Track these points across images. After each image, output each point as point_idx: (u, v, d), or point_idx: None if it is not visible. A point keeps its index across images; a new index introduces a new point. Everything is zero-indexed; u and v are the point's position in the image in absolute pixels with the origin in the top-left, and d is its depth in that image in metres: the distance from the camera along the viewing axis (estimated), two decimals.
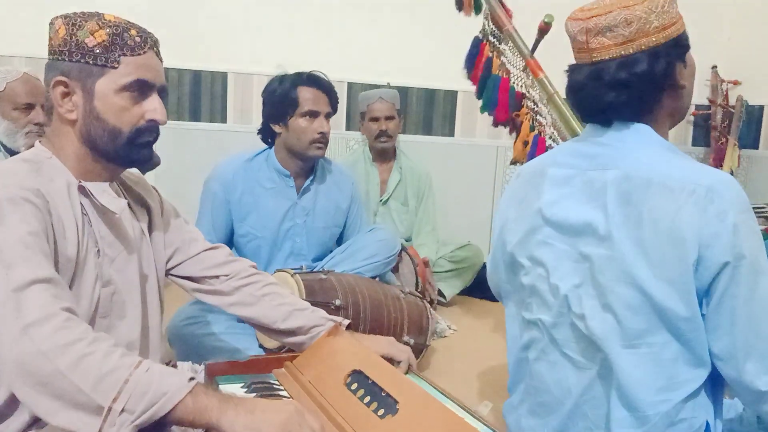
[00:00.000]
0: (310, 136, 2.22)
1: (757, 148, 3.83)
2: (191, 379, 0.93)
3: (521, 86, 2.29)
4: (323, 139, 2.25)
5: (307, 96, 2.23)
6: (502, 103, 2.31)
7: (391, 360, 1.32)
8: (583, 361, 1.20)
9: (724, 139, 3.78)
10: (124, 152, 1.18)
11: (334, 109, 2.32)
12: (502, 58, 2.31)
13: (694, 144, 4.00)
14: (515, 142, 2.32)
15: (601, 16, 1.15)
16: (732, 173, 3.59)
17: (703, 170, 1.12)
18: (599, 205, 1.17)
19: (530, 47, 2.23)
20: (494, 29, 2.33)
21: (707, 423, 1.16)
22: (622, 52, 1.15)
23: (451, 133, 3.74)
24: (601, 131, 1.23)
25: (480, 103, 2.41)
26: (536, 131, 2.24)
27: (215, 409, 0.92)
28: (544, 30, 2.19)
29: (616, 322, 1.14)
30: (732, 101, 3.80)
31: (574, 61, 1.24)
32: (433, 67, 3.58)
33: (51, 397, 0.89)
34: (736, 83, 3.83)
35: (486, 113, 2.40)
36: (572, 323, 1.21)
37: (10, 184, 1.04)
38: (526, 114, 2.27)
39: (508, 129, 2.42)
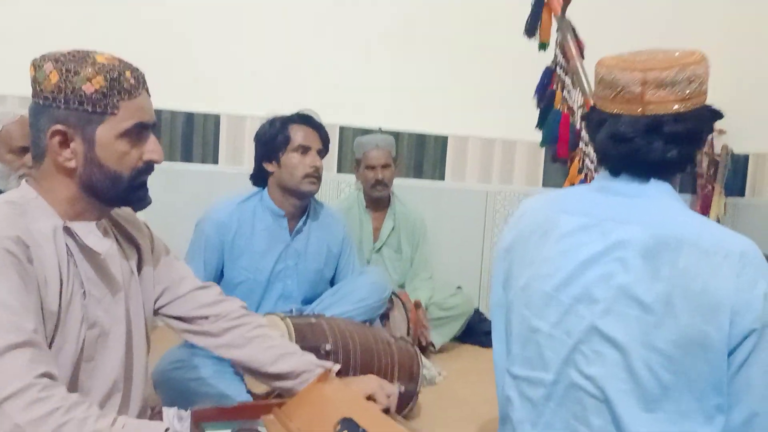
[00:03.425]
0: (302, 170, 2.23)
1: (743, 195, 3.88)
2: (167, 429, 0.95)
3: (579, 124, 2.20)
4: (316, 174, 2.26)
5: (298, 132, 2.26)
6: (563, 138, 2.23)
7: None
8: (577, 425, 1.16)
9: (710, 187, 3.84)
10: (124, 195, 1.18)
11: (326, 147, 2.33)
12: (564, 92, 2.25)
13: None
14: (564, 183, 2.23)
15: (662, 70, 1.13)
16: (719, 220, 3.63)
17: (731, 234, 1.12)
18: (617, 258, 1.13)
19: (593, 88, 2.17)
20: (561, 60, 2.27)
21: None
22: (681, 109, 1.14)
23: (442, 177, 3.77)
24: (621, 182, 1.20)
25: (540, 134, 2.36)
26: (584, 175, 2.16)
27: None
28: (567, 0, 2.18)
29: (635, 384, 1.10)
30: (717, 149, 3.87)
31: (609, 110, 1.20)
32: (424, 112, 3.64)
33: None
34: (721, 132, 3.90)
35: (545, 147, 2.34)
36: (575, 384, 1.16)
37: None
38: (578, 154, 2.19)
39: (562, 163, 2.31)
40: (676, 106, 1.14)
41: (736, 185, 3.89)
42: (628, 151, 1.16)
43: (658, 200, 1.17)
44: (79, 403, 0.95)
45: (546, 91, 2.31)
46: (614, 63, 1.18)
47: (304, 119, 2.30)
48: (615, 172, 1.21)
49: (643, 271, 1.10)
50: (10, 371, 0.92)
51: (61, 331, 1.10)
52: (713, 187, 3.82)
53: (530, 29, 2.38)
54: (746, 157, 3.87)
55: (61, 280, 1.10)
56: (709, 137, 3.84)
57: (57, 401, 0.93)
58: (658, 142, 1.14)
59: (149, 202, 2.39)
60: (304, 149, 2.25)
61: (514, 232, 1.31)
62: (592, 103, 1.26)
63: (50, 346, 1.09)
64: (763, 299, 1.05)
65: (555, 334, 1.18)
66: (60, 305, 1.09)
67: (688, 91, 1.14)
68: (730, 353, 1.07)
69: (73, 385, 1.13)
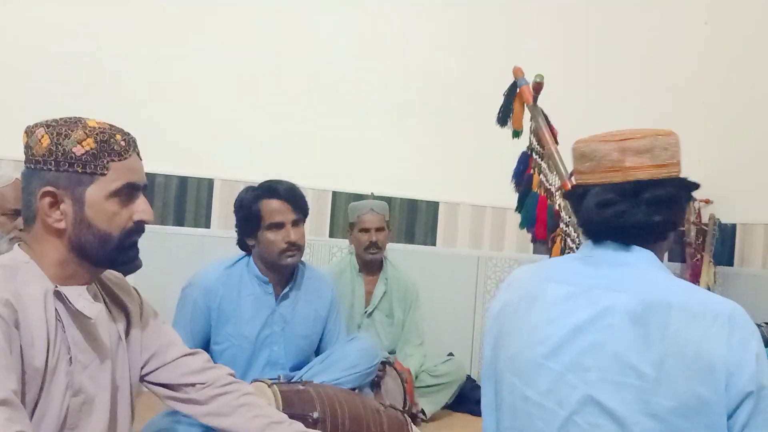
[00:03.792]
0: (278, 247, 2.22)
1: (732, 265, 3.91)
2: None
3: (557, 205, 2.26)
4: (293, 248, 2.23)
5: (269, 208, 2.23)
6: (540, 220, 2.28)
7: None
8: None
9: (699, 256, 3.87)
10: (113, 256, 1.18)
11: (304, 214, 2.30)
12: (541, 176, 2.31)
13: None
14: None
15: (636, 139, 1.18)
16: (709, 289, 3.64)
17: (717, 297, 1.13)
18: (607, 326, 1.13)
19: (569, 171, 2.24)
20: (536, 146, 2.34)
21: None
22: (658, 175, 1.18)
23: (433, 243, 3.78)
24: (605, 250, 1.22)
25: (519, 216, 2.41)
26: (567, 253, 2.20)
27: None
28: (538, 89, 2.25)
29: None
30: (705, 218, 3.92)
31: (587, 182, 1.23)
32: (415, 178, 3.69)
33: None
34: (707, 202, 3.97)
35: (524, 229, 2.38)
36: None
37: None
38: (559, 235, 2.24)
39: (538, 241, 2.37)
40: (653, 171, 1.18)
41: (725, 254, 3.93)
42: (613, 215, 1.18)
43: (643, 268, 1.19)
44: None
45: (523, 175, 2.39)
46: (591, 138, 1.24)
47: (274, 192, 2.25)
48: (598, 240, 1.23)
49: (634, 338, 1.10)
50: None
51: (44, 397, 1.08)
52: (702, 256, 3.85)
53: (502, 118, 2.48)
54: (734, 227, 3.92)
55: (48, 345, 1.09)
56: (697, 206, 3.91)
57: None
58: (642, 205, 1.17)
59: (140, 265, 2.38)
60: (278, 226, 2.23)
61: (503, 300, 1.32)
62: (570, 185, 1.29)
63: (33, 413, 1.07)
64: (756, 360, 1.05)
65: (545, 403, 1.16)
66: (45, 370, 1.08)
67: (663, 157, 1.18)
68: (729, 417, 1.06)
69: None
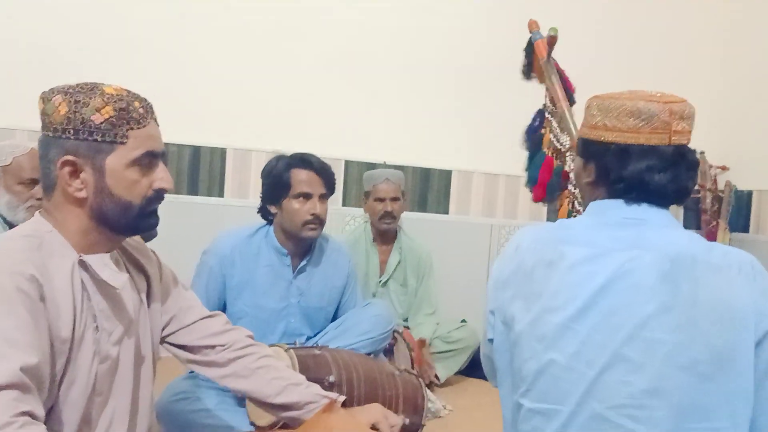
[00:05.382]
0: (302, 217, 2.22)
1: (747, 231, 3.88)
2: None
3: (567, 166, 2.22)
4: (316, 221, 2.24)
5: (299, 178, 2.25)
6: (541, 182, 2.25)
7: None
8: None
9: (714, 223, 3.84)
10: (135, 223, 1.19)
11: (331, 190, 2.32)
12: (551, 135, 2.27)
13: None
14: None
15: (677, 103, 1.20)
16: None
17: (734, 249, 1.16)
18: (633, 284, 1.14)
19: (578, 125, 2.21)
20: (549, 103, 2.30)
21: None
22: (690, 141, 1.22)
23: (446, 211, 3.78)
24: (623, 211, 1.22)
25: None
26: (573, 216, 2.16)
27: None
28: (552, 43, 2.21)
29: (666, 409, 1.10)
30: (721, 185, 3.89)
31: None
32: (428, 146, 3.67)
33: None
34: (724, 169, 3.93)
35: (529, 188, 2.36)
36: (597, 414, 1.14)
37: (2, 271, 1.03)
38: (567, 197, 2.20)
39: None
40: (689, 137, 1.22)
41: (740, 221, 3.90)
42: (667, 180, 1.20)
43: (663, 226, 1.20)
44: None
45: (536, 132, 2.35)
46: (632, 95, 1.22)
47: (307, 162, 2.27)
48: (632, 201, 1.22)
49: (662, 293, 1.11)
50: None
51: (72, 365, 1.10)
52: (717, 223, 3.83)
53: (526, 72, 2.44)
54: (749, 194, 3.88)
55: (74, 315, 1.10)
56: (713, 173, 3.87)
57: None
58: (682, 169, 1.20)
59: (154, 235, 2.42)
60: (305, 196, 2.24)
61: (512, 265, 1.29)
62: (591, 139, 1.27)
63: (61, 381, 1.09)
64: None
65: (574, 365, 1.16)
66: (72, 340, 1.09)
67: (693, 124, 1.22)
68: (757, 356, 1.09)
69: (83, 420, 1.13)
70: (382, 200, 3.10)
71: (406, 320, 3.21)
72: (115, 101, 1.12)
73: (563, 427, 1.17)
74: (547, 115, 2.31)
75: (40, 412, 0.98)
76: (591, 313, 1.16)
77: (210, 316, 1.44)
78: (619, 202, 1.23)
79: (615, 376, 1.13)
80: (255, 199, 2.41)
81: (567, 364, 1.17)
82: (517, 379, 1.27)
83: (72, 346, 1.09)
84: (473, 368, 3.12)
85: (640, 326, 1.12)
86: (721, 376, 1.09)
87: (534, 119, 2.37)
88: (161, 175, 1.20)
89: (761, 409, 1.11)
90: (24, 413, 0.94)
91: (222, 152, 3.46)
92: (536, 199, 2.30)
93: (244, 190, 3.48)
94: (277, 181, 2.25)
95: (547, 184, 2.26)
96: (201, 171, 3.44)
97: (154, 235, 2.35)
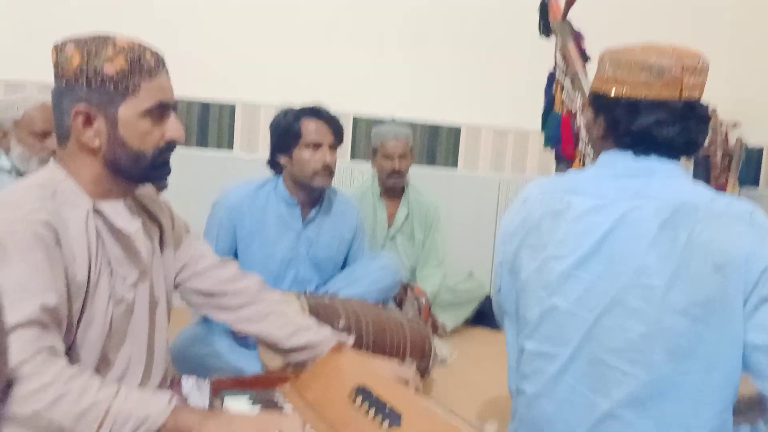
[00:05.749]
0: (313, 167, 2.25)
1: (756, 185, 3.88)
2: (170, 400, 0.99)
3: (577, 126, 2.24)
4: (327, 170, 2.27)
5: (310, 128, 2.26)
6: (566, 139, 2.27)
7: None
8: (595, 397, 1.18)
9: (724, 178, 3.83)
10: (147, 173, 1.21)
11: (339, 140, 2.34)
12: (563, 93, 2.28)
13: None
14: None
15: (691, 57, 1.19)
16: None
17: (737, 199, 1.18)
18: (635, 233, 1.16)
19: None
20: (561, 63, 2.30)
21: None
22: (701, 95, 1.22)
23: (454, 165, 3.79)
24: (634, 162, 1.23)
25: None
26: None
27: (197, 424, 0.98)
28: (570, 2, 2.21)
29: (665, 351, 1.13)
30: (731, 142, 3.86)
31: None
32: (437, 101, 3.65)
33: None
34: (735, 124, 3.89)
35: (548, 149, 2.40)
36: (596, 358, 1.18)
37: (18, 219, 1.05)
38: (578, 156, 2.23)
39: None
40: (701, 92, 1.22)
41: (750, 177, 3.89)
42: (676, 133, 1.20)
43: (670, 176, 1.21)
44: (78, 375, 0.98)
45: (553, 96, 2.36)
46: (645, 49, 1.22)
47: (316, 113, 2.29)
48: (640, 153, 1.23)
49: (662, 241, 1.14)
50: (14, 347, 0.95)
51: (89, 308, 1.14)
52: (727, 179, 3.82)
53: (545, 30, 2.43)
54: (760, 150, 3.87)
55: (89, 261, 1.13)
56: (724, 129, 3.84)
57: (57, 372, 0.96)
58: (693, 123, 1.21)
59: (164, 187, 2.45)
60: (316, 145, 2.26)
61: (520, 217, 1.32)
62: (603, 93, 1.27)
63: (79, 323, 1.13)
64: None
65: (575, 310, 1.20)
66: (88, 284, 1.13)
67: (704, 79, 1.21)
68: (748, 299, 1.12)
69: (101, 360, 1.17)
70: (390, 158, 3.10)
71: (413, 273, 3.25)
72: (127, 52, 1.13)
73: (563, 370, 1.22)
74: (558, 74, 2.31)
75: (61, 347, 1.02)
76: (594, 261, 1.19)
77: (222, 264, 1.47)
78: (627, 154, 1.24)
79: (614, 321, 1.16)
80: (264, 153, 2.43)
81: (569, 309, 1.21)
82: (521, 325, 1.31)
83: (88, 289, 1.13)
84: (480, 318, 3.17)
85: (639, 273, 1.15)
86: (714, 320, 1.11)
87: (548, 81, 2.39)
88: (173, 126, 1.21)
89: (751, 345, 1.14)
90: (45, 348, 0.98)
91: (231, 108, 3.46)
92: (568, 156, 2.32)
93: (253, 145, 3.49)
94: (287, 131, 2.27)
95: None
96: (210, 125, 3.45)
97: (165, 187, 2.39)
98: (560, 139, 2.31)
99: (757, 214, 1.15)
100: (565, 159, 2.36)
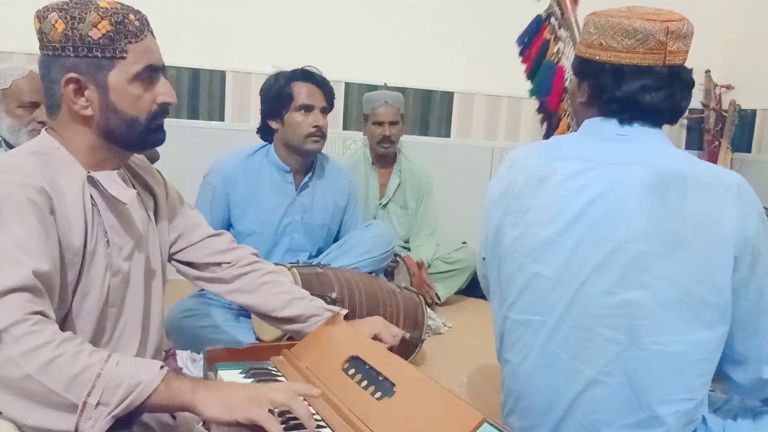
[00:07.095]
0: (305, 130, 2.24)
1: (749, 151, 3.88)
2: (162, 366, 0.97)
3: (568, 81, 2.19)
4: (319, 133, 2.27)
5: (301, 90, 2.26)
6: (556, 90, 2.22)
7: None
8: (578, 364, 1.19)
9: (717, 143, 3.83)
10: (142, 138, 1.20)
11: (330, 104, 2.33)
12: (559, 44, 2.23)
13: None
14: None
15: (675, 22, 1.18)
16: None
17: (724, 169, 1.19)
18: (621, 199, 1.15)
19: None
20: (557, 12, 2.25)
21: (703, 416, 1.21)
22: (685, 61, 1.21)
23: (447, 134, 3.77)
24: (618, 128, 1.23)
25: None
26: (570, 130, 2.14)
27: (188, 391, 0.96)
28: None
29: (648, 318, 1.13)
30: (725, 105, 3.85)
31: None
32: (430, 68, 3.62)
33: (24, 399, 0.91)
34: (729, 87, 3.88)
35: (534, 97, 2.34)
36: (580, 324, 1.18)
37: (14, 182, 1.04)
38: (565, 111, 2.19)
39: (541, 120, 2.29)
40: (685, 57, 1.20)
41: (743, 141, 3.88)
42: (659, 99, 1.19)
43: (654, 142, 1.21)
44: (71, 338, 0.96)
45: (532, 38, 2.28)
46: (628, 14, 1.20)
47: (308, 76, 2.28)
48: (624, 120, 1.22)
49: (650, 207, 1.13)
50: (5, 309, 0.93)
51: (85, 278, 1.13)
52: (720, 143, 3.82)
53: None
54: (753, 113, 3.85)
55: (85, 230, 1.12)
56: (717, 92, 3.83)
57: (49, 335, 0.94)
58: (678, 90, 1.20)
59: (156, 158, 2.42)
60: (307, 108, 2.25)
61: (504, 183, 1.31)
62: (587, 57, 1.25)
63: (75, 292, 1.13)
64: (755, 228, 1.13)
65: (560, 278, 1.20)
66: (84, 253, 1.12)
67: (689, 44, 1.20)
68: (736, 272, 1.13)
69: (97, 331, 1.17)
70: (380, 124, 3.09)
71: (407, 242, 3.26)
72: (110, 15, 1.12)
73: (547, 338, 1.22)
74: (553, 22, 2.25)
75: (52, 314, 1.01)
76: (578, 226, 1.18)
77: (216, 234, 1.47)
78: (612, 121, 1.23)
79: (598, 287, 1.16)
80: (255, 123, 2.41)
81: (553, 276, 1.20)
82: (505, 293, 1.31)
83: (84, 258, 1.12)
84: (473, 288, 3.20)
85: (626, 239, 1.14)
86: (700, 290, 1.12)
87: (530, 25, 2.31)
88: (163, 89, 1.20)
89: (737, 324, 1.15)
90: (36, 312, 0.97)
91: (221, 75, 3.42)
92: (552, 107, 2.27)
93: (245, 114, 3.46)
94: (278, 95, 2.26)
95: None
96: (201, 95, 3.41)
97: (157, 158, 2.37)
98: (551, 89, 2.26)
99: (745, 186, 1.15)
100: (548, 111, 2.32)
